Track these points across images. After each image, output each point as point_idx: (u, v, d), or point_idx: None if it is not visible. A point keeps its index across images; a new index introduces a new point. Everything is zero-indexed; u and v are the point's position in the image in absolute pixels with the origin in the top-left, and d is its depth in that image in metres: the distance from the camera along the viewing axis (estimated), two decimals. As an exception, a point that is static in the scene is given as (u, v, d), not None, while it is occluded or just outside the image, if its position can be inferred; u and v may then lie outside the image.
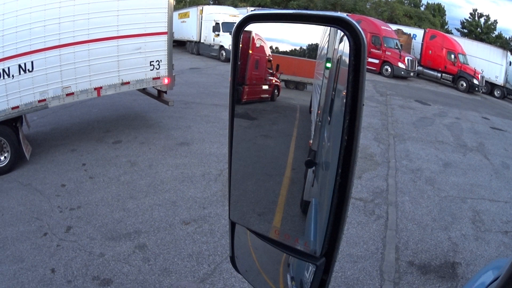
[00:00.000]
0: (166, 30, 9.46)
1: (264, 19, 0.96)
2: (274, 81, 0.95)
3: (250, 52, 0.97)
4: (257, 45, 0.96)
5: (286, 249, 0.93)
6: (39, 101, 7.74)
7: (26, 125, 8.65)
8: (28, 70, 7.42)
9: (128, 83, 9.11)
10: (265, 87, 0.98)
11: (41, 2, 7.41)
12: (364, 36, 0.76)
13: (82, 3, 7.94)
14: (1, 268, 4.66)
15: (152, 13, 9.11)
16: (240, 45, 0.96)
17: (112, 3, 8.44)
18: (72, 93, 8.20)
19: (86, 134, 9.42)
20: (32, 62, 7.43)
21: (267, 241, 0.97)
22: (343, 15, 0.79)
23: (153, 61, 9.40)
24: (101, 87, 8.64)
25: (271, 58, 0.94)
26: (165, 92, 10.37)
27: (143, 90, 10.51)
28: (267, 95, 0.98)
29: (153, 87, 10.08)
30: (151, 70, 9.43)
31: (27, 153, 7.61)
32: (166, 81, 9.78)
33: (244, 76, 1.00)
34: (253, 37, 0.95)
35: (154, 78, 9.57)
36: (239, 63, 0.98)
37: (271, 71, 0.95)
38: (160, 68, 9.58)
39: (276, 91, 0.95)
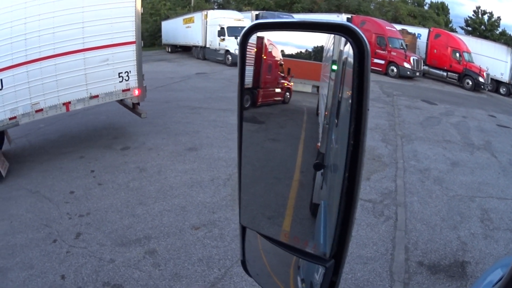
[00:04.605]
0: (134, 40, 9.16)
1: (268, 28, 0.98)
2: (285, 84, 0.97)
3: (264, 57, 1.00)
4: (269, 49, 0.99)
5: (296, 251, 0.95)
6: (10, 118, 7.64)
7: (7, 141, 8.62)
8: None
9: (97, 96, 8.85)
10: (277, 90, 1.00)
11: (7, 20, 7.31)
12: (367, 43, 0.78)
13: (47, 17, 7.74)
14: (10, 275, 4.69)
15: (119, 22, 8.82)
16: (254, 51, 0.99)
17: (77, 15, 8.18)
18: (41, 110, 8.02)
19: (94, 141, 9.49)
20: (1, 80, 7.36)
21: (277, 244, 0.98)
22: (347, 22, 0.81)
23: (121, 73, 9.08)
24: (69, 102, 8.39)
25: (282, 62, 0.96)
26: (138, 103, 9.99)
27: (121, 102, 10.17)
28: (280, 98, 1.00)
29: (126, 99, 9.72)
30: (120, 82, 9.11)
31: (3, 170, 7.46)
32: (136, 92, 9.43)
33: (259, 80, 1.03)
34: (265, 43, 0.97)
35: (124, 90, 9.24)
36: (253, 68, 1.01)
37: (283, 75, 0.97)
38: (130, 79, 9.24)
39: (287, 93, 0.97)
